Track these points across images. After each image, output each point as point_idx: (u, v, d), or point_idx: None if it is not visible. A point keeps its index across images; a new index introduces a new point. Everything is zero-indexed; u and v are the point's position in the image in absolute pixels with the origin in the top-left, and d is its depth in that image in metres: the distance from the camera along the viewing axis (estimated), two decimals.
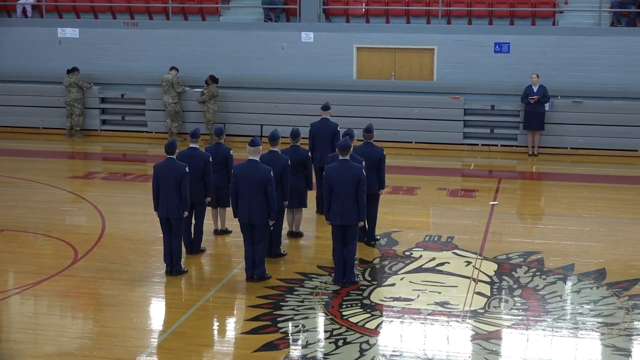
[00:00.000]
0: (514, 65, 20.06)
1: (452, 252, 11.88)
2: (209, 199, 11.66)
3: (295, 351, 8.66)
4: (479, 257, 11.67)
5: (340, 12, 21.93)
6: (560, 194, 16.05)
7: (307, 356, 8.50)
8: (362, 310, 9.69)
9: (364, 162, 10.91)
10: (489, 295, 10.21)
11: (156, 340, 8.94)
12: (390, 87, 20.63)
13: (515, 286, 10.52)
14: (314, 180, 12.41)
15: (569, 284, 10.70)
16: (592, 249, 12.14)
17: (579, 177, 17.36)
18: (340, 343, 8.75)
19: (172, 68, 20.77)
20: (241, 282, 10.60)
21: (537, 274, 10.98)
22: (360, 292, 10.25)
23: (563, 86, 19.66)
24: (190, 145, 11.53)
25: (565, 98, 19.56)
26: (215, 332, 9.35)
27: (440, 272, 11.05)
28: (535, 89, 19.01)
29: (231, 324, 9.57)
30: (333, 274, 10.69)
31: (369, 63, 21.05)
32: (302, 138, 12.18)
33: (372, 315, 9.55)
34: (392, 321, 9.44)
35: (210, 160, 11.52)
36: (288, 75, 21.11)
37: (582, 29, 20.21)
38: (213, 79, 20.47)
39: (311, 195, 12.72)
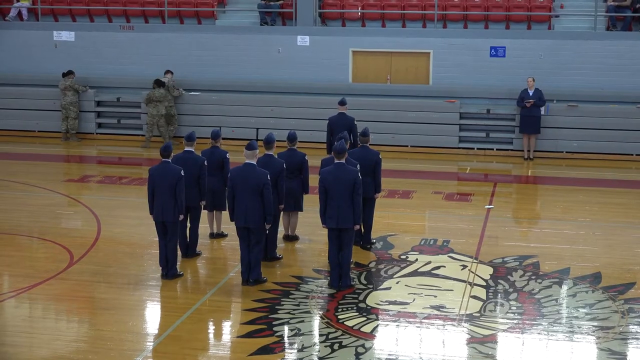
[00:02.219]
0: (509, 69, 20.08)
1: (448, 256, 11.89)
2: (203, 202, 11.65)
3: (291, 355, 8.66)
4: (474, 260, 11.67)
5: (336, 15, 21.95)
6: (556, 197, 16.07)
7: None
8: (357, 313, 9.69)
9: (358, 166, 10.91)
10: (485, 299, 10.22)
11: (152, 344, 8.93)
12: (386, 91, 20.64)
13: (510, 290, 10.53)
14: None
15: (565, 287, 10.72)
16: (588, 252, 12.16)
17: (574, 181, 17.39)
18: (335, 347, 8.75)
19: (168, 72, 20.76)
20: (237, 285, 10.59)
21: (533, 277, 10.99)
22: (356, 296, 10.25)
23: (558, 90, 19.69)
24: (185, 149, 11.52)
25: (561, 102, 19.60)
26: (211, 335, 9.34)
27: (436, 275, 11.06)
28: (530, 92, 19.05)
29: (227, 328, 9.56)
30: (329, 278, 10.69)
31: (364, 67, 21.07)
32: (299, 142, 12.17)
33: (368, 318, 9.55)
34: (387, 325, 9.44)
35: (206, 164, 11.51)
36: (284, 78, 21.12)
37: (577, 33, 20.25)
38: (158, 83, 20.52)
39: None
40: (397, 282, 10.82)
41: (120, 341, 8.91)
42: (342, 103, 15.24)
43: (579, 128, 19.47)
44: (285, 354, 8.65)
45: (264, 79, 21.20)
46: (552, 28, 20.91)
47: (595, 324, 9.46)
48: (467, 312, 9.75)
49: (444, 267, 11.38)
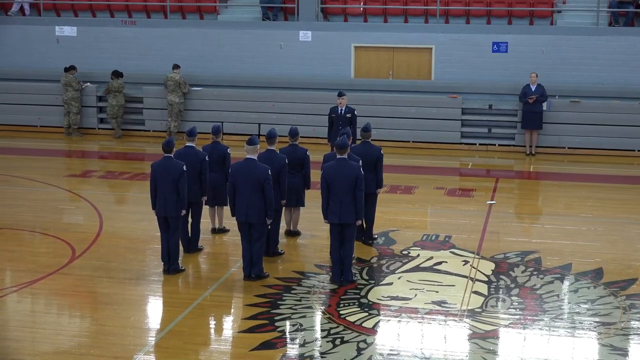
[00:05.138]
0: (511, 64, 20.09)
1: (450, 252, 11.88)
2: (205, 198, 11.65)
3: (293, 350, 8.66)
4: (476, 256, 11.67)
5: (338, 11, 21.94)
6: (558, 193, 16.06)
7: (305, 355, 8.50)
8: (359, 309, 9.68)
9: (360, 162, 10.90)
10: (487, 294, 10.21)
11: (153, 338, 8.93)
12: (388, 86, 20.64)
13: (512, 285, 10.52)
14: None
15: (566, 283, 10.71)
16: (590, 248, 12.15)
17: (576, 177, 17.38)
18: (337, 342, 8.75)
19: (176, 66, 20.70)
20: (239, 280, 10.59)
21: (535, 273, 10.98)
22: (358, 291, 10.25)
23: (561, 86, 19.68)
24: (187, 144, 11.51)
25: (563, 98, 19.59)
26: (213, 330, 9.35)
27: (438, 271, 11.05)
28: (533, 88, 19.03)
29: (228, 323, 9.56)
30: (330, 273, 10.69)
31: (366, 62, 21.07)
32: (301, 137, 12.15)
33: (370, 314, 9.55)
34: (389, 320, 9.44)
35: (207, 159, 11.50)
36: (286, 74, 21.12)
37: (580, 29, 20.24)
38: (115, 74, 20.91)
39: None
40: (399, 278, 10.82)
41: (122, 336, 8.91)
42: (341, 95, 15.89)
43: (581, 124, 19.47)
44: (287, 349, 8.65)
45: (266, 74, 21.20)
46: (554, 23, 20.90)
47: (597, 319, 9.45)
48: (469, 308, 9.74)
49: (446, 262, 11.38)
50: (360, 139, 12.05)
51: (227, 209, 11.63)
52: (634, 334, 9.12)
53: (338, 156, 10.41)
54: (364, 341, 8.79)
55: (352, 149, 11.21)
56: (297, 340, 8.89)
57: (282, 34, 21.26)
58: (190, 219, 11.62)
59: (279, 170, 11.08)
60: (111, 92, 20.94)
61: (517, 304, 9.91)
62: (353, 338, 8.85)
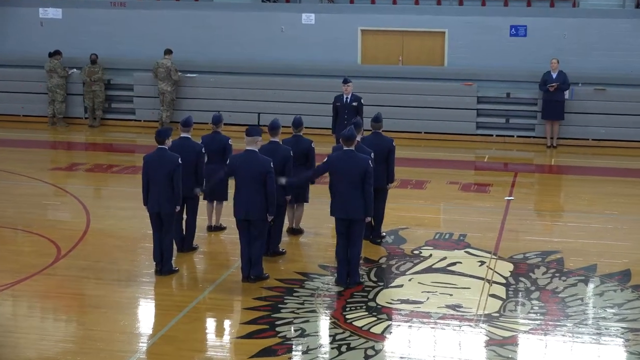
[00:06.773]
0: (531, 50, 20.08)
1: (465, 251, 11.89)
2: (201, 193, 11.60)
3: (295, 357, 8.66)
4: (493, 256, 11.67)
5: None
6: (581, 188, 16.08)
7: None
8: (367, 313, 9.68)
9: (372, 154, 10.85)
10: (505, 297, 10.21)
11: (145, 344, 8.94)
12: (397, 73, 20.66)
13: (532, 288, 10.52)
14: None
15: (591, 286, 10.71)
16: (616, 248, 12.15)
17: (601, 171, 17.40)
18: (343, 349, 8.75)
19: (168, 52, 20.68)
20: (237, 282, 10.59)
21: (557, 275, 10.98)
22: (365, 294, 10.24)
23: (584, 73, 19.68)
24: (181, 135, 11.47)
25: (587, 85, 19.60)
26: (209, 336, 9.36)
27: (452, 272, 11.05)
28: (554, 75, 19.01)
29: (226, 328, 9.57)
30: (336, 274, 10.67)
31: (374, 47, 21.07)
32: (305, 127, 12.11)
33: (378, 318, 9.54)
34: (399, 325, 9.43)
35: (204, 151, 11.45)
36: (287, 59, 21.12)
37: (604, 11, 20.23)
38: (96, 56, 21.33)
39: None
40: (410, 280, 10.82)
41: (111, 341, 8.91)
42: (346, 82, 15.87)
43: (607, 113, 19.48)
44: (289, 357, 8.64)
45: (265, 60, 21.21)
46: (577, 5, 20.90)
47: (624, 325, 9.44)
48: (486, 312, 9.74)
49: (461, 263, 11.38)
50: (370, 130, 12.00)
51: (226, 205, 11.63)
52: None
53: (345, 148, 10.37)
54: (372, 348, 8.78)
55: (362, 140, 11.18)
56: (300, 347, 8.89)
57: (284, 17, 21.27)
58: (184, 216, 11.61)
59: (284, 163, 11.04)
60: (94, 75, 21.06)
61: (537, 308, 9.91)
62: (360, 344, 8.85)
